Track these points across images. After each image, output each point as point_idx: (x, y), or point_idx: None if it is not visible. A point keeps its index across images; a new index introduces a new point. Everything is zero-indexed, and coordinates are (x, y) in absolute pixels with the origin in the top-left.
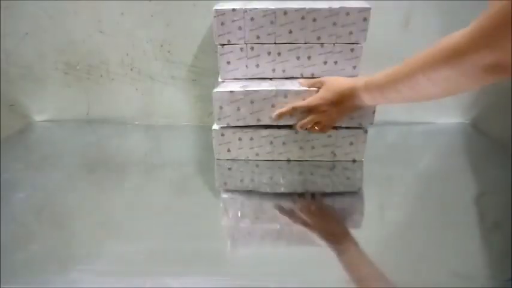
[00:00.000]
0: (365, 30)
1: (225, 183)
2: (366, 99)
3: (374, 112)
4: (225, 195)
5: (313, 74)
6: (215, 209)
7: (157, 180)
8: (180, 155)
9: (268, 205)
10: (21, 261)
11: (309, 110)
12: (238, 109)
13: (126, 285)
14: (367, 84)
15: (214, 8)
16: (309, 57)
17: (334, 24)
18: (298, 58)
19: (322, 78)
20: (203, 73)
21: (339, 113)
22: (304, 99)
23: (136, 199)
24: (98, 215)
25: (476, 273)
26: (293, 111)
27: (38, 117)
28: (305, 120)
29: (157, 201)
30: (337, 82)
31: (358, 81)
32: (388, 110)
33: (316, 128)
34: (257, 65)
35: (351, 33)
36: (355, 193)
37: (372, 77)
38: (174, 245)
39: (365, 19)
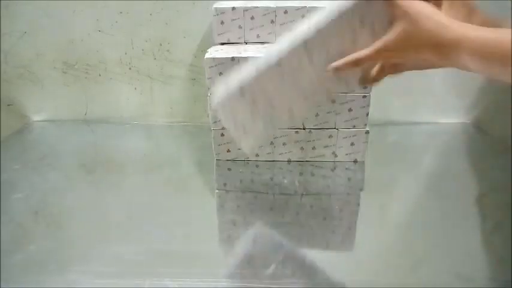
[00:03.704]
0: None
1: (225, 184)
2: (462, 59)
3: (367, 114)
4: (224, 196)
5: None
6: (214, 210)
7: (156, 181)
8: (179, 155)
9: (268, 206)
10: (20, 262)
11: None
12: None
13: (124, 286)
14: (470, 42)
15: (213, 6)
16: None
17: None
18: None
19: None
20: (202, 72)
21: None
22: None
23: (135, 199)
24: (97, 216)
25: (477, 274)
26: (354, 65)
27: (36, 117)
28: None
29: (156, 201)
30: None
31: (457, 31)
32: (388, 110)
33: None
34: None
35: None
36: (356, 194)
37: (474, 32)
38: (173, 246)
39: None
